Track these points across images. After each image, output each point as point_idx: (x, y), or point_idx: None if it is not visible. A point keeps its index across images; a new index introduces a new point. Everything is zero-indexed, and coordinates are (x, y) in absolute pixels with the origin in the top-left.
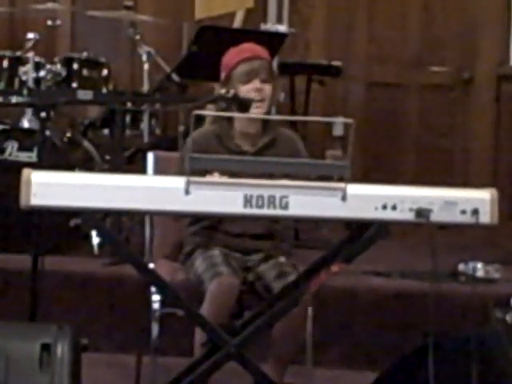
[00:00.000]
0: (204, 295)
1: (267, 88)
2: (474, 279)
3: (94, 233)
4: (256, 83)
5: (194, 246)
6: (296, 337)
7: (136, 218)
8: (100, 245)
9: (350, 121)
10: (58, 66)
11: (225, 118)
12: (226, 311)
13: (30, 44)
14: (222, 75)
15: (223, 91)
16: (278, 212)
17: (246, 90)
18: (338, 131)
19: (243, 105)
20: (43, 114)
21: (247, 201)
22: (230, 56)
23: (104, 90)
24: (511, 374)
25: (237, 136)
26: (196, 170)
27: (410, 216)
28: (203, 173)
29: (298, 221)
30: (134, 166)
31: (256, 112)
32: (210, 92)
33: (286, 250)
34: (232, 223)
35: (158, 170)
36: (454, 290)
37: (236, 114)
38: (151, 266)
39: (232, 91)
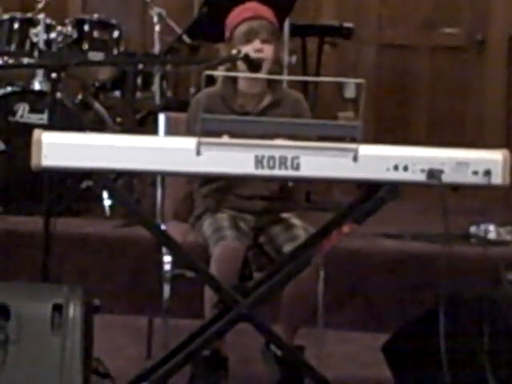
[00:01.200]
0: (211, 258)
1: (267, 48)
2: (486, 241)
3: (105, 194)
4: (256, 44)
5: (203, 209)
6: (307, 299)
7: (147, 180)
8: (111, 206)
9: (361, 81)
10: (69, 28)
11: (230, 79)
12: (231, 275)
13: (40, 6)
14: (226, 35)
15: (234, 51)
16: (290, 173)
17: (246, 50)
18: (349, 93)
19: (253, 64)
20: (54, 76)
21: (258, 161)
22: (233, 16)
23: (115, 52)
24: None
25: (240, 96)
26: (204, 132)
27: (421, 177)
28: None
29: (310, 182)
30: (146, 128)
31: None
32: (217, 53)
33: (298, 211)
34: (243, 185)
35: (170, 132)
36: (465, 252)
37: (246, 74)
38: (162, 227)
39: (235, 51)
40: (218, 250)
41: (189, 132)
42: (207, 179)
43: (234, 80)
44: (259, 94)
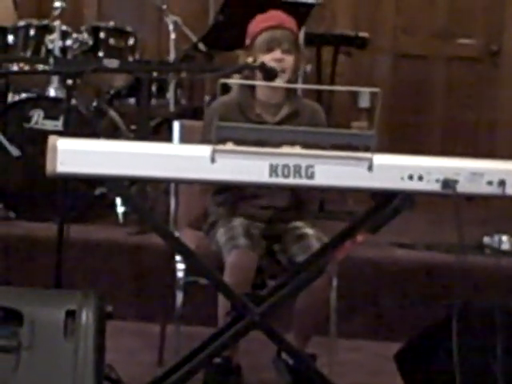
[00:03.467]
0: (224, 266)
1: (288, 59)
2: (500, 252)
3: (119, 201)
4: (277, 53)
5: (217, 217)
6: (319, 307)
7: (161, 187)
8: (125, 213)
9: (376, 90)
10: (85, 35)
11: (247, 87)
12: (244, 283)
13: (56, 12)
14: (247, 42)
15: (249, 60)
16: (304, 181)
17: (266, 59)
18: (363, 103)
19: (269, 74)
20: (69, 83)
21: (273, 170)
22: (255, 23)
23: (130, 59)
24: None
25: (258, 106)
26: (219, 140)
27: (436, 187)
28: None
29: (324, 191)
30: (160, 135)
31: (276, 82)
32: (236, 61)
33: (311, 220)
34: (256, 194)
35: (184, 139)
36: (479, 262)
37: (261, 83)
38: (176, 234)
39: (258, 60)
40: (232, 258)
41: (205, 140)
42: (221, 187)
43: (252, 89)
44: (277, 103)
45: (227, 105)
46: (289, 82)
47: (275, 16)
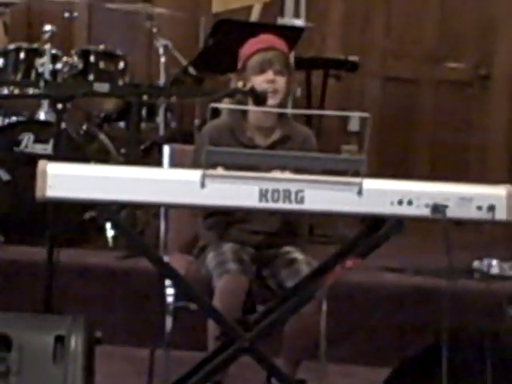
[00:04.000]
0: (214, 291)
1: (280, 80)
2: (489, 276)
3: (108, 225)
4: (269, 74)
5: (207, 241)
6: (309, 332)
7: (151, 211)
8: (115, 237)
9: (366, 115)
10: (75, 59)
11: (239, 111)
12: (234, 308)
13: (46, 36)
14: (239, 65)
15: (240, 84)
16: (294, 206)
17: (258, 81)
18: (353, 126)
19: (259, 98)
20: (59, 106)
21: (262, 195)
22: (248, 46)
23: (120, 83)
24: None
25: (250, 129)
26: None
27: (426, 212)
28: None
29: (314, 215)
30: (150, 159)
31: (268, 104)
32: (226, 85)
33: (300, 245)
34: (246, 219)
35: (174, 163)
36: (468, 286)
37: (252, 108)
38: (165, 259)
39: (249, 84)
40: (222, 283)
41: (196, 164)
42: (211, 212)
43: (244, 112)
44: (269, 127)
45: (219, 129)
46: (280, 104)
47: (267, 39)
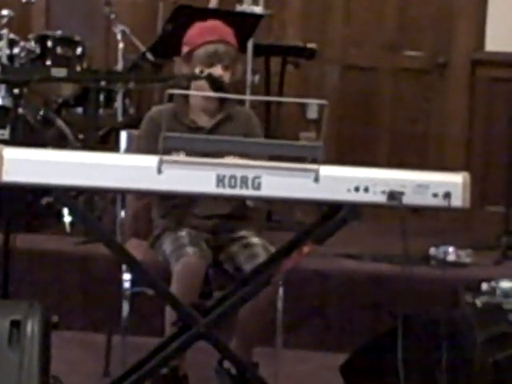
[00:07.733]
0: (171, 276)
1: (227, 75)
2: (445, 263)
3: (65, 211)
4: (218, 69)
5: (163, 229)
6: (264, 316)
7: (108, 197)
8: (72, 223)
9: (324, 102)
10: (32, 44)
11: (182, 96)
12: (192, 292)
13: (4, 21)
14: (184, 49)
15: (197, 70)
16: (251, 192)
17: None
18: (311, 114)
19: (217, 84)
20: (16, 91)
21: (220, 180)
22: (195, 34)
23: (78, 69)
24: (479, 358)
25: (192, 112)
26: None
27: (382, 198)
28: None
29: (271, 202)
30: (108, 145)
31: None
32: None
33: (256, 229)
34: (200, 205)
35: (131, 149)
36: (424, 273)
37: (206, 93)
38: (123, 244)
39: (198, 69)
40: (180, 267)
41: (140, 149)
42: (163, 198)
43: (186, 97)
44: (212, 110)
45: (162, 113)
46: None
47: (216, 29)
